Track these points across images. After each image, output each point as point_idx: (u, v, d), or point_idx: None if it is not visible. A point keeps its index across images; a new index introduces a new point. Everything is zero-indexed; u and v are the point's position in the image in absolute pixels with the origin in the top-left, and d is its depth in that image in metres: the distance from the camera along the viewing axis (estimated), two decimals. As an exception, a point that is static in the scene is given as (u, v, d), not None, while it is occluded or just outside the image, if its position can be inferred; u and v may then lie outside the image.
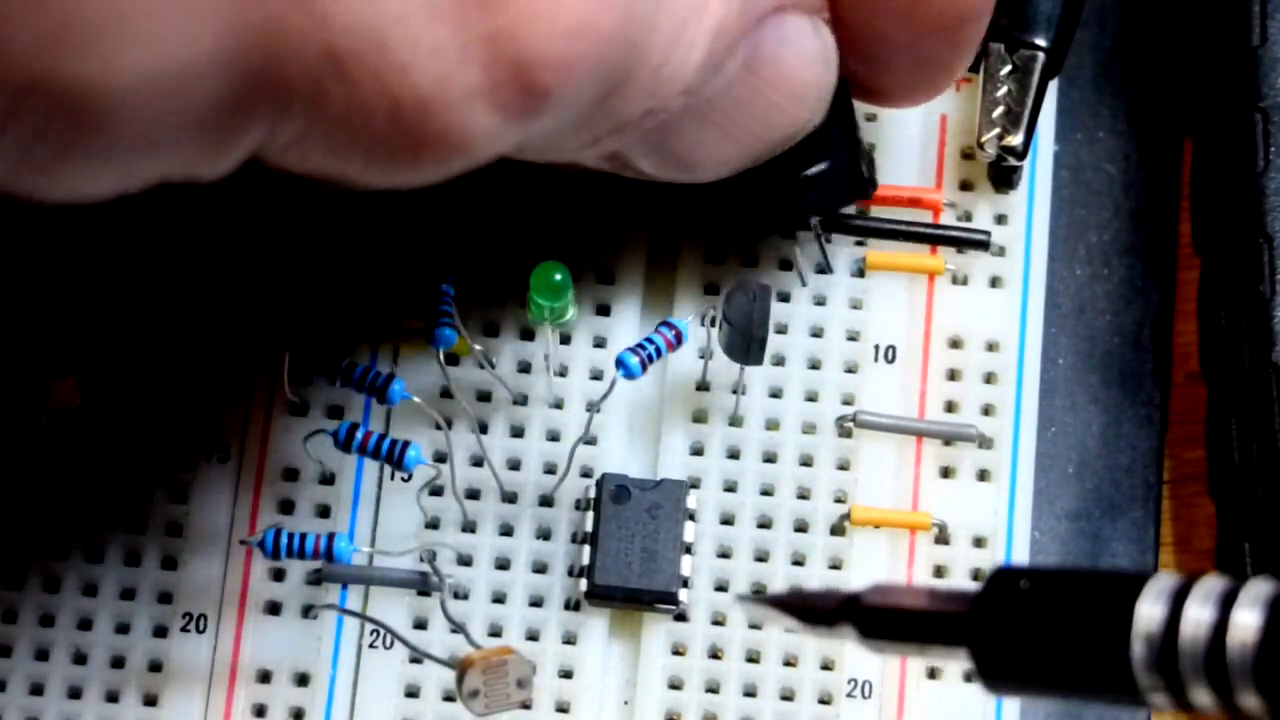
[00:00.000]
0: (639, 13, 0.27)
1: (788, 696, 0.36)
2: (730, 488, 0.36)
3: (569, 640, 0.36)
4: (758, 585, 0.36)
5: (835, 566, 0.36)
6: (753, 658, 0.36)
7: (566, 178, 0.35)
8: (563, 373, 0.37)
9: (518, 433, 0.37)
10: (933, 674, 0.36)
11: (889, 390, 0.37)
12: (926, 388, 0.37)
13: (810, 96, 0.32)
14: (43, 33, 0.23)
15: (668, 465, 0.36)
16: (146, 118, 0.25)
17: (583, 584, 0.35)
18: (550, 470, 0.37)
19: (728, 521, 0.36)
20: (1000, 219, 0.38)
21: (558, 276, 0.34)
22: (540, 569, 0.36)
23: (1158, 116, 0.39)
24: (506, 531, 0.36)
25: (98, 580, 0.36)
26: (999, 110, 0.37)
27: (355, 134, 0.26)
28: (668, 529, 0.36)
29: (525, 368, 0.37)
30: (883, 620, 0.27)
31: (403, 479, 0.36)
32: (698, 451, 0.37)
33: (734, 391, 0.37)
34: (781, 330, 0.37)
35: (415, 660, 0.35)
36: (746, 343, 0.35)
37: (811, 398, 0.37)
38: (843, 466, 0.37)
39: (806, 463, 0.37)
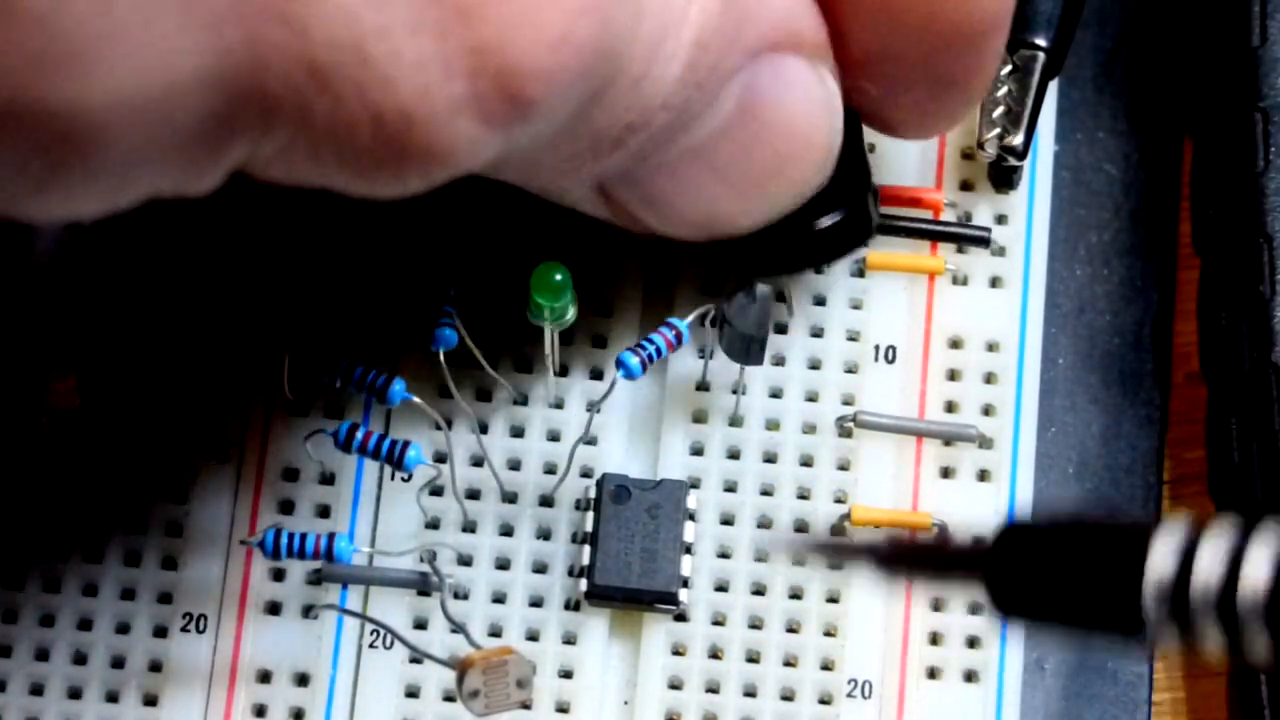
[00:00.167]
0: (619, 23, 0.27)
1: (788, 696, 0.36)
2: (730, 488, 0.36)
3: (569, 640, 0.36)
4: (758, 585, 0.36)
5: (836, 566, 0.36)
6: (753, 658, 0.36)
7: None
8: (563, 373, 0.37)
9: (518, 433, 0.37)
10: (933, 674, 0.36)
11: (889, 390, 0.37)
12: (926, 388, 0.37)
13: (816, 147, 0.31)
14: (22, 58, 0.23)
15: (668, 465, 0.37)
16: (131, 138, 0.25)
17: (583, 584, 0.35)
18: (550, 470, 0.37)
19: (728, 521, 0.36)
20: (1000, 219, 0.38)
21: (558, 276, 0.34)
22: (540, 569, 0.36)
23: (1158, 116, 0.39)
24: (506, 531, 0.36)
25: (98, 580, 0.36)
26: (999, 110, 0.37)
27: (340, 147, 0.26)
28: (668, 529, 0.36)
29: (525, 368, 0.37)
30: (905, 553, 0.28)
31: (403, 479, 0.36)
32: (698, 451, 0.37)
33: (734, 391, 0.37)
34: (781, 330, 0.37)
35: (415, 660, 0.35)
36: (747, 343, 0.35)
37: (811, 398, 0.37)
38: (843, 467, 0.37)
39: (806, 463, 0.37)
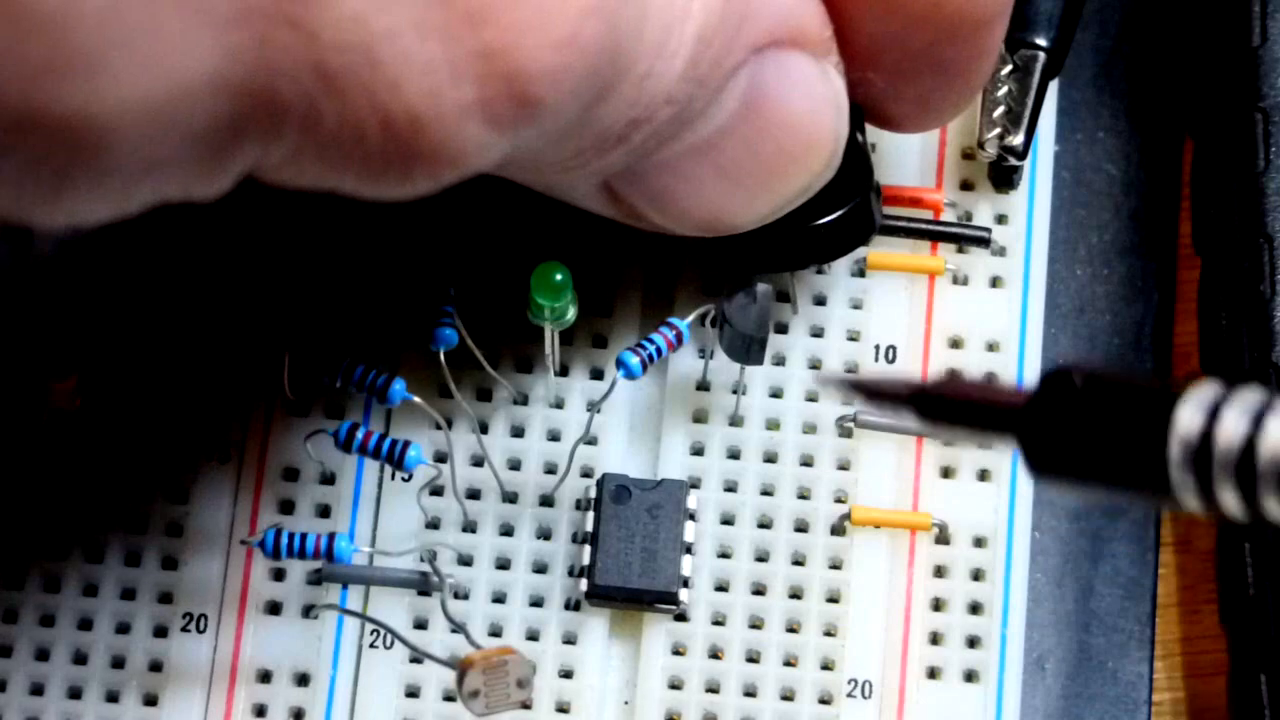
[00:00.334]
0: (625, 21, 0.27)
1: (788, 696, 0.36)
2: (730, 488, 0.36)
3: (569, 640, 0.36)
4: (758, 585, 0.36)
5: (835, 566, 0.36)
6: (753, 658, 0.36)
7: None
8: (563, 373, 0.37)
9: (518, 433, 0.37)
10: (933, 674, 0.36)
11: (889, 390, 0.37)
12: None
13: (821, 144, 0.31)
14: (32, 64, 0.23)
15: (668, 465, 0.37)
16: (141, 144, 0.25)
17: (583, 584, 0.35)
18: (550, 470, 0.37)
19: (728, 521, 0.36)
20: (1000, 219, 0.38)
21: (558, 276, 0.34)
22: (540, 569, 0.36)
23: (1158, 116, 0.39)
24: (507, 531, 0.36)
25: (98, 580, 0.36)
26: (999, 110, 0.37)
27: (348, 150, 0.26)
28: (668, 529, 0.36)
29: (525, 368, 0.37)
30: (943, 405, 0.28)
31: (403, 479, 0.36)
32: (698, 451, 0.37)
33: (734, 391, 0.37)
34: (782, 330, 0.37)
35: (415, 660, 0.35)
36: (747, 343, 0.35)
37: (811, 398, 0.37)
38: (843, 466, 0.37)
39: (807, 463, 0.37)
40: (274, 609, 0.36)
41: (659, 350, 0.35)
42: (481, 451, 0.36)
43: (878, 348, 0.37)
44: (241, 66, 0.25)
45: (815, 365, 0.37)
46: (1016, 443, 0.27)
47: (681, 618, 0.36)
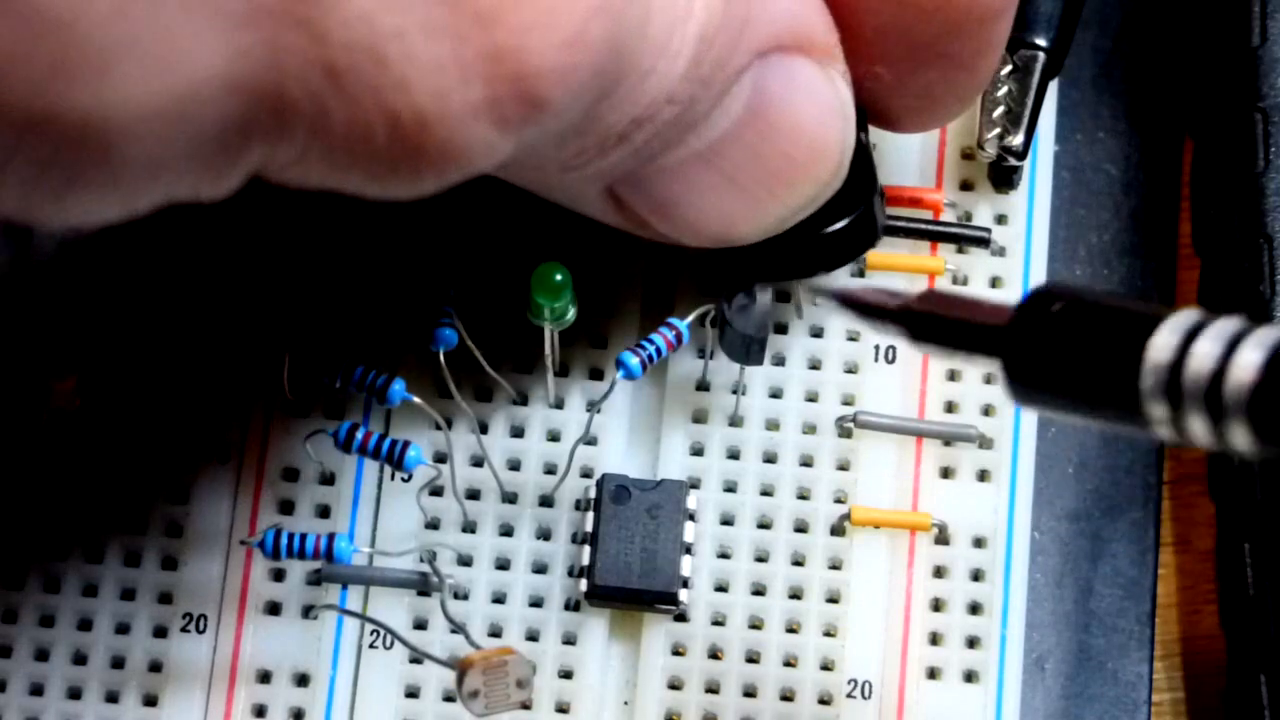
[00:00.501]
0: (630, 20, 0.27)
1: (788, 696, 0.36)
2: (730, 488, 0.37)
3: (569, 640, 0.36)
4: (758, 586, 0.36)
5: (835, 567, 0.36)
6: (753, 658, 0.36)
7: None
8: (563, 373, 0.37)
9: (518, 433, 0.37)
10: (933, 674, 0.36)
11: (889, 390, 0.37)
12: (926, 388, 0.37)
13: (828, 152, 0.31)
14: (42, 65, 0.23)
15: (668, 465, 0.37)
16: (150, 145, 0.25)
17: (583, 584, 0.35)
18: (550, 470, 0.37)
19: (728, 522, 0.36)
20: (1000, 219, 0.38)
21: (558, 276, 0.34)
22: (540, 569, 0.36)
23: (1158, 116, 0.39)
24: (506, 532, 0.36)
25: (98, 580, 0.36)
26: (999, 110, 0.37)
27: (356, 150, 0.26)
28: (668, 529, 0.36)
29: (525, 368, 0.37)
30: (930, 326, 0.29)
31: (403, 479, 0.36)
32: (698, 452, 0.37)
33: (734, 391, 0.37)
34: (781, 330, 0.37)
35: (415, 660, 0.35)
36: (747, 343, 0.35)
37: (811, 398, 0.37)
38: (843, 467, 0.37)
39: (806, 463, 0.37)
40: (274, 609, 0.36)
41: (659, 350, 0.35)
42: (481, 452, 0.36)
43: (877, 348, 0.37)
44: (250, 67, 0.25)
45: (815, 366, 0.37)
46: (998, 363, 0.28)
47: (681, 618, 0.36)
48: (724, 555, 0.36)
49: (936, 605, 0.36)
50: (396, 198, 0.27)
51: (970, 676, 0.36)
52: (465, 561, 0.36)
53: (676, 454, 0.37)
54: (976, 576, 0.36)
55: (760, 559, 0.36)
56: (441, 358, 0.36)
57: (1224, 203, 0.37)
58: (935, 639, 0.36)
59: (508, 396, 0.37)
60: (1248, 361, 0.25)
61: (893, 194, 0.38)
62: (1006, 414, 0.37)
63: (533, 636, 0.36)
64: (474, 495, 0.36)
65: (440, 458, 0.36)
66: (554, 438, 0.37)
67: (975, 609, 0.36)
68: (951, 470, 0.37)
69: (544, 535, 0.36)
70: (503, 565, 0.36)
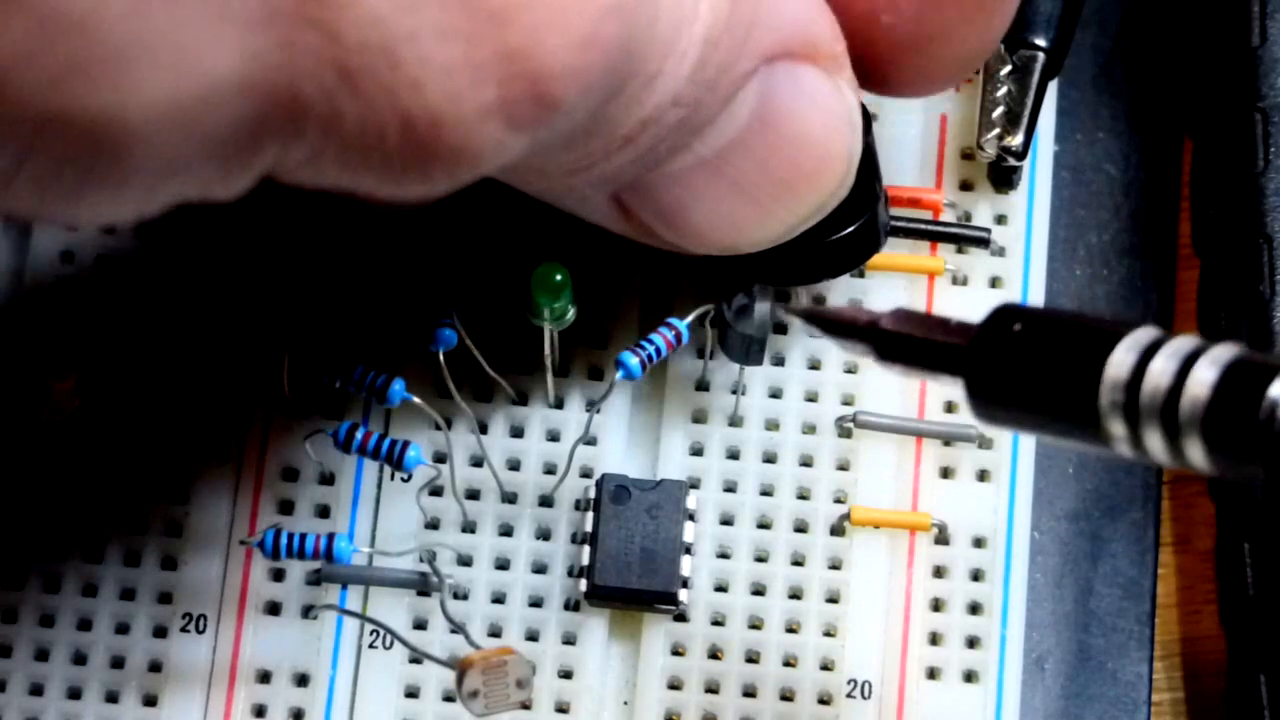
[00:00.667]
0: (639, 20, 0.27)
1: (788, 696, 0.36)
2: (730, 488, 0.37)
3: (569, 640, 0.36)
4: (757, 586, 0.36)
5: (835, 567, 0.36)
6: (752, 658, 0.36)
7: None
8: (563, 373, 0.37)
9: (518, 433, 0.37)
10: (932, 674, 0.36)
11: (889, 390, 0.37)
12: (926, 388, 0.37)
13: (835, 160, 0.31)
14: (60, 66, 0.23)
15: (668, 465, 0.37)
16: (164, 145, 0.25)
17: (582, 584, 0.35)
18: (550, 470, 0.37)
19: (727, 522, 0.36)
20: (1000, 219, 0.38)
21: (558, 277, 0.34)
22: (540, 569, 0.36)
23: (1158, 116, 0.39)
24: (506, 532, 0.36)
25: (98, 580, 0.36)
26: (999, 110, 0.37)
27: (368, 151, 0.26)
28: (667, 529, 0.36)
29: (525, 368, 0.37)
30: (896, 344, 0.29)
31: (403, 479, 0.36)
32: (698, 451, 0.37)
33: (734, 391, 0.37)
34: (781, 330, 0.37)
35: (415, 660, 0.35)
36: (747, 343, 0.35)
37: (811, 398, 0.37)
38: (843, 467, 0.37)
39: (806, 463, 0.37)
40: (273, 609, 0.36)
41: (658, 350, 0.35)
42: (481, 452, 0.36)
43: (877, 348, 0.37)
44: (264, 67, 0.25)
45: (815, 366, 0.37)
46: (961, 382, 0.28)
47: (681, 618, 0.36)
48: (724, 555, 0.36)
49: (936, 605, 0.36)
50: (407, 198, 0.27)
51: (970, 676, 0.36)
52: (465, 561, 0.36)
53: (676, 454, 0.37)
54: (976, 576, 0.36)
55: (760, 559, 0.36)
56: (441, 358, 0.36)
57: (1224, 203, 0.37)
58: (935, 639, 0.36)
59: (507, 396, 0.37)
60: (1202, 379, 0.25)
61: (893, 194, 0.38)
62: (1006, 414, 0.37)
63: (532, 636, 0.36)
64: (474, 495, 0.36)
65: (440, 458, 0.36)
66: (554, 438, 0.37)
67: (975, 609, 0.36)
68: (951, 470, 0.37)
69: (544, 535, 0.36)
70: (502, 565, 0.36)
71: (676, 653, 0.36)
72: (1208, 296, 0.38)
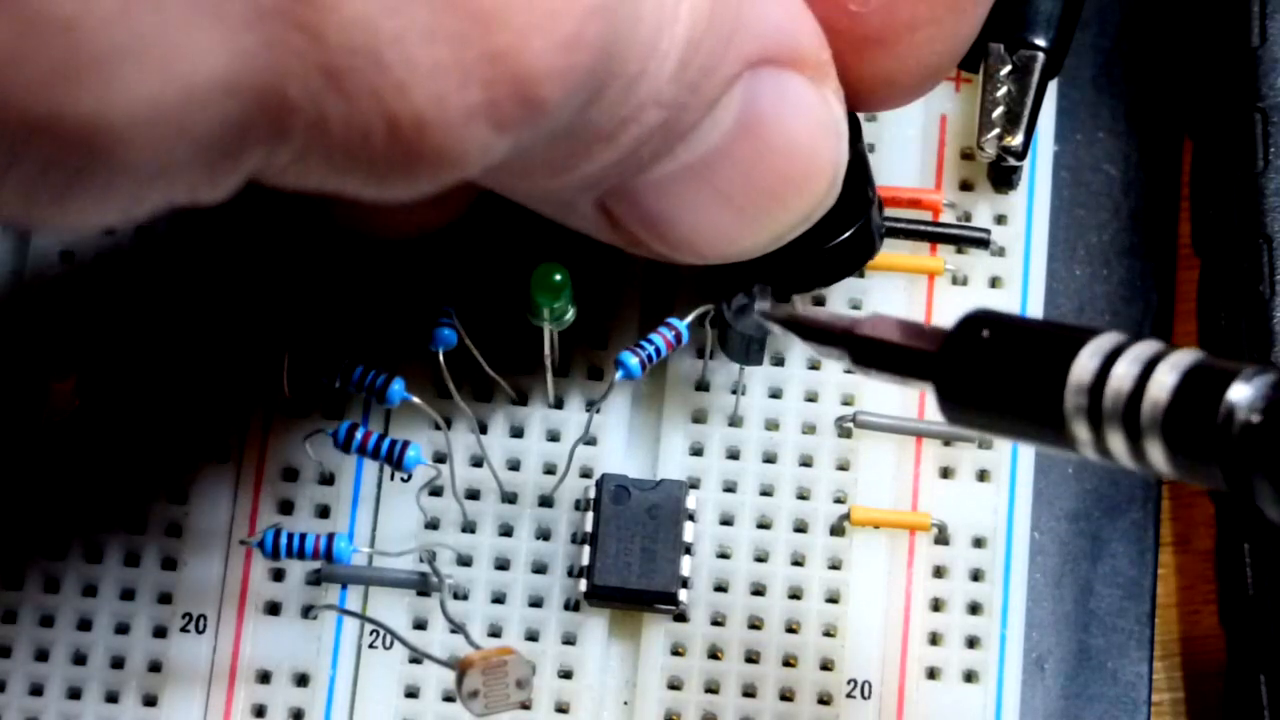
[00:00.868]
0: (622, 22, 0.27)
1: (787, 696, 0.36)
2: (730, 488, 0.37)
3: (569, 640, 0.36)
4: (757, 586, 0.36)
5: (835, 567, 0.36)
6: (752, 658, 0.36)
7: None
8: (563, 373, 0.37)
9: (518, 433, 0.37)
10: (932, 674, 0.36)
11: (889, 390, 0.37)
12: (926, 388, 0.37)
13: (821, 169, 0.31)
14: (46, 70, 0.23)
15: (667, 465, 0.37)
16: (151, 147, 0.25)
17: (582, 584, 0.35)
18: (550, 470, 0.37)
19: (727, 522, 0.36)
20: (1000, 219, 0.38)
21: (557, 277, 0.34)
22: (540, 569, 0.36)
23: (1158, 116, 0.39)
24: (506, 532, 0.36)
25: (98, 580, 0.36)
26: (999, 110, 0.37)
27: (354, 152, 0.26)
28: (667, 529, 0.36)
29: (525, 368, 0.37)
30: (869, 350, 0.30)
31: (402, 479, 0.36)
32: (697, 452, 0.37)
33: (734, 391, 0.37)
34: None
35: (415, 660, 0.35)
36: (746, 343, 0.35)
37: (811, 398, 0.37)
38: (842, 467, 0.37)
39: (806, 463, 0.37)
40: (273, 609, 0.36)
41: (658, 350, 0.35)
42: (481, 452, 0.36)
43: (877, 348, 0.37)
44: (250, 69, 0.25)
45: (814, 366, 0.37)
46: (932, 388, 0.29)
47: (681, 618, 0.36)
48: (723, 555, 0.36)
49: (936, 605, 0.36)
50: (393, 200, 0.27)
51: (970, 676, 0.36)
52: (465, 561, 0.36)
53: (676, 454, 0.37)
54: (976, 576, 0.36)
55: (760, 559, 0.36)
56: (441, 358, 0.36)
57: (1224, 203, 0.37)
58: (935, 639, 0.36)
59: (507, 396, 0.37)
60: (1163, 382, 0.26)
61: (893, 195, 0.38)
62: (1006, 414, 0.37)
63: (532, 636, 0.36)
64: (474, 495, 0.36)
65: (440, 458, 0.36)
66: (553, 438, 0.37)
67: (975, 609, 0.36)
68: (951, 470, 0.37)
69: (543, 535, 0.36)
70: (502, 565, 0.36)
71: (676, 653, 0.36)
72: (1208, 296, 0.38)
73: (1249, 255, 0.37)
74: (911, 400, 0.37)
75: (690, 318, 0.36)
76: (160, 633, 0.36)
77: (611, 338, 0.37)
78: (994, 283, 0.38)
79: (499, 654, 0.33)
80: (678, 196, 0.31)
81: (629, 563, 0.35)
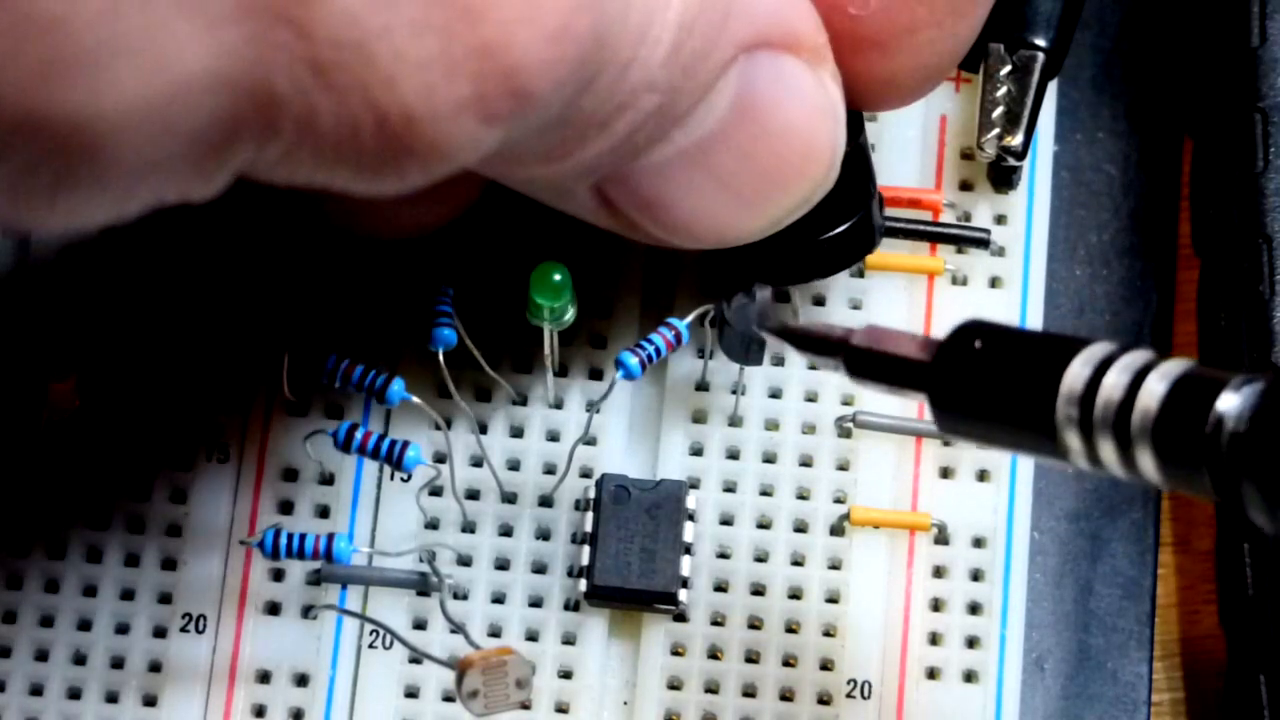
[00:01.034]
0: (611, 10, 0.27)
1: (787, 696, 0.36)
2: (730, 488, 0.37)
3: (568, 640, 0.36)
4: (757, 586, 0.36)
5: (835, 567, 0.36)
6: (752, 658, 0.36)
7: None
8: (562, 373, 0.37)
9: (517, 433, 0.37)
10: (932, 674, 0.36)
11: (889, 390, 0.37)
12: (926, 388, 0.37)
13: (819, 153, 0.31)
14: (34, 68, 0.23)
15: (667, 465, 0.37)
16: (140, 145, 0.25)
17: (582, 584, 0.35)
18: (550, 470, 0.37)
19: (727, 522, 0.36)
20: (1000, 219, 0.38)
21: (557, 276, 0.34)
22: (540, 569, 0.36)
23: (1158, 116, 0.39)
24: (506, 532, 0.36)
25: (98, 580, 0.36)
26: (999, 110, 0.37)
27: (343, 147, 0.26)
28: (667, 529, 0.36)
29: (525, 368, 0.37)
30: (865, 361, 0.30)
31: (402, 479, 0.36)
32: (697, 452, 0.37)
33: (734, 391, 0.37)
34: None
35: (415, 660, 0.35)
36: (746, 343, 0.35)
37: (811, 398, 0.37)
38: (842, 467, 0.37)
39: (806, 463, 0.37)
40: (273, 609, 0.36)
41: (658, 350, 0.35)
42: (481, 452, 0.36)
43: (877, 348, 0.37)
44: (237, 64, 0.25)
45: (814, 366, 0.37)
46: (926, 400, 0.29)
47: (681, 618, 0.36)
48: (723, 555, 0.36)
49: (936, 605, 0.36)
50: (382, 194, 0.27)
51: (970, 676, 0.36)
52: (465, 561, 0.36)
53: (676, 454, 0.37)
54: (976, 576, 0.36)
55: (760, 559, 0.36)
56: (441, 358, 0.36)
57: (1223, 203, 0.37)
58: (935, 639, 0.36)
59: (507, 396, 0.37)
60: (1152, 391, 0.26)
61: (892, 195, 0.38)
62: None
63: (532, 636, 0.36)
64: (473, 495, 0.36)
65: (440, 458, 0.36)
66: (553, 438, 0.37)
67: (975, 609, 0.36)
68: (951, 470, 0.37)
69: (543, 535, 0.36)
70: (502, 565, 0.36)
71: (676, 653, 0.36)
72: (1208, 296, 0.38)
73: (1249, 255, 0.37)
74: (911, 400, 0.37)
75: (690, 318, 0.36)
76: (160, 633, 0.36)
77: (611, 338, 0.37)
78: (994, 283, 0.38)
79: (499, 654, 0.33)
80: (675, 181, 0.31)
81: (629, 563, 0.35)
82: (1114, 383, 0.27)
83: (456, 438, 0.36)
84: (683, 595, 0.35)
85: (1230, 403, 0.26)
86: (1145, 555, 0.37)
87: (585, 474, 0.36)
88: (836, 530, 0.36)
